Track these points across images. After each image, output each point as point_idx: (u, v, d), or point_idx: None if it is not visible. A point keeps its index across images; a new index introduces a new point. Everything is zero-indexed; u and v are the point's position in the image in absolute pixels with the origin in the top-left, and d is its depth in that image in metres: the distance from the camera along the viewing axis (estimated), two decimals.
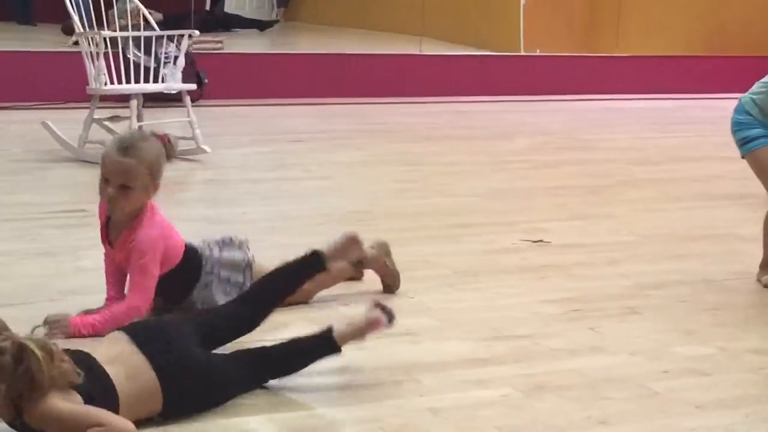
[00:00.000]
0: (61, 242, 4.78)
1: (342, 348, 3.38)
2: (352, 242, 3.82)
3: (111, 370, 2.94)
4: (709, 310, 4.34)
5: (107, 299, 3.90)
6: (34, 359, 2.72)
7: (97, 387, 2.88)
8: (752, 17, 13.40)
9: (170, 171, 7.01)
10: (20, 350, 2.73)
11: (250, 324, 3.52)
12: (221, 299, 3.96)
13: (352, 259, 4.02)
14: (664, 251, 5.30)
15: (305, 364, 3.38)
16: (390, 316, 3.45)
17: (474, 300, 4.37)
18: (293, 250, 4.47)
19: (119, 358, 3.01)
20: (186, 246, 4.05)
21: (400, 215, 5.96)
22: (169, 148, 3.95)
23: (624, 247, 5.35)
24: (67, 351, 2.87)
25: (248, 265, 4.14)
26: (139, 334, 3.11)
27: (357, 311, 3.62)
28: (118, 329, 3.20)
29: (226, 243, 4.18)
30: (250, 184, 6.81)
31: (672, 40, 13.45)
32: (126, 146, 3.82)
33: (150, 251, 3.80)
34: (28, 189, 6.43)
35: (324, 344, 3.38)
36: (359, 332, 3.41)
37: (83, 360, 2.91)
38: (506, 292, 4.53)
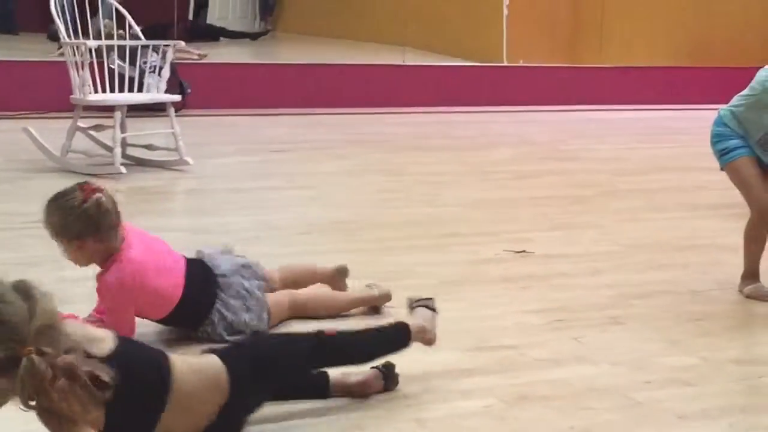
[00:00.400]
0: (44, 252, 4.74)
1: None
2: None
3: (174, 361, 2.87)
4: (692, 320, 4.36)
5: (96, 311, 3.88)
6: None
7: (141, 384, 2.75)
8: (736, 29, 13.45)
9: (153, 181, 7.08)
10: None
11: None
12: (245, 316, 3.93)
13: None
14: (648, 261, 5.31)
15: (375, 355, 3.36)
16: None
17: (458, 310, 4.37)
18: (276, 260, 4.48)
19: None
20: (189, 282, 3.92)
21: (384, 225, 5.96)
22: (93, 204, 3.72)
23: (607, 257, 5.36)
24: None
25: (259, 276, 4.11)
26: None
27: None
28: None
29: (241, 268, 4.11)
30: (233, 194, 6.79)
31: (655, 51, 13.49)
32: (45, 209, 3.74)
33: (108, 297, 3.73)
34: (10, 198, 6.41)
35: (399, 337, 3.42)
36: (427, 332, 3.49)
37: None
38: (490, 302, 4.54)
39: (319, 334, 3.22)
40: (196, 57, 11.41)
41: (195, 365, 2.91)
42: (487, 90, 12.03)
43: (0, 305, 2.51)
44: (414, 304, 3.64)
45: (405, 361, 3.53)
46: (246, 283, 3.98)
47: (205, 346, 3.18)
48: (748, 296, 4.68)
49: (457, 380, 3.55)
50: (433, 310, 3.63)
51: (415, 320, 3.52)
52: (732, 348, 4.03)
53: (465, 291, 4.67)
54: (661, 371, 3.74)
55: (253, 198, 6.66)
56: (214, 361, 2.94)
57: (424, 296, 3.70)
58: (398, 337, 3.41)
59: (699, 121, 7.30)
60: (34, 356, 2.48)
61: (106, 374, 2.58)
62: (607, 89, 12.65)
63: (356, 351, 3.29)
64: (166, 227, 5.78)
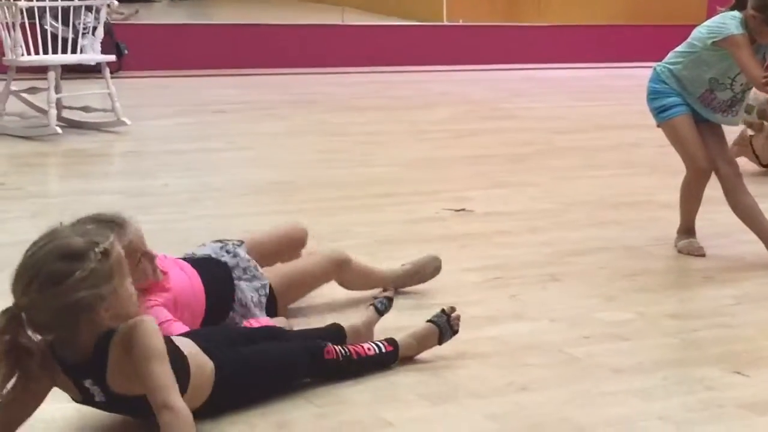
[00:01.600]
0: None
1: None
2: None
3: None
4: (629, 276, 4.40)
5: None
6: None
7: (178, 366, 2.74)
8: None
9: (89, 143, 7.00)
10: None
11: None
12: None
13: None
14: (585, 219, 5.35)
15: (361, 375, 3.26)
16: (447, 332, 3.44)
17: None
18: (216, 222, 4.46)
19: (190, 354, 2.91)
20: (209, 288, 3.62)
21: (323, 185, 5.95)
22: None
23: (545, 215, 5.39)
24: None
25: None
26: (200, 338, 3.02)
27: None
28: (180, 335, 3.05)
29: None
30: (171, 156, 6.74)
31: (593, 9, 13.54)
32: None
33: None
34: None
35: (389, 360, 3.33)
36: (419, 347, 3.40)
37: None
38: None
39: (316, 356, 3.16)
40: (132, 13, 11.29)
41: (195, 359, 2.91)
42: (426, 50, 12.01)
43: None
44: (372, 303, 3.59)
45: (343, 319, 3.53)
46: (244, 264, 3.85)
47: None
48: (680, 251, 4.72)
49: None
50: (381, 313, 3.56)
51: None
52: (667, 303, 4.08)
53: (403, 250, 4.66)
54: (597, 327, 3.77)
55: (192, 160, 6.61)
56: (207, 361, 2.94)
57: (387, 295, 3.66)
58: (388, 360, 3.34)
59: (636, 79, 7.35)
60: None
61: None
62: (545, 48, 12.68)
63: (347, 373, 3.26)
64: (103, 190, 5.75)
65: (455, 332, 3.45)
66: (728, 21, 4.50)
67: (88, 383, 2.70)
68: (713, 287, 4.29)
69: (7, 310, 2.59)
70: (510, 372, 3.34)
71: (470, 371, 3.34)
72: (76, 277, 2.57)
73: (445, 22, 12.70)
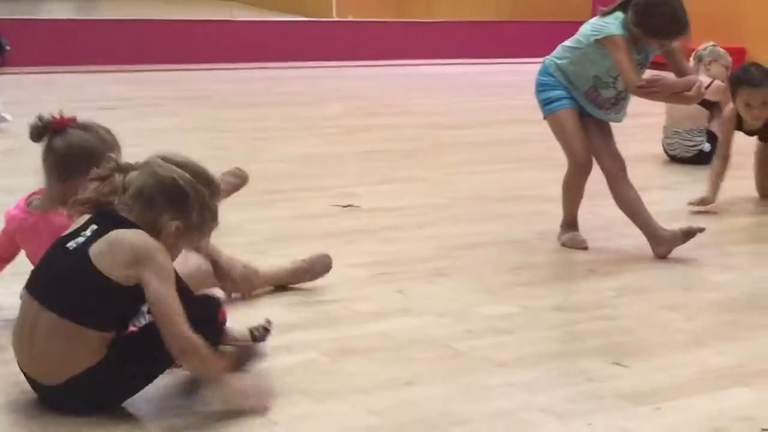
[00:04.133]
0: None
1: None
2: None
3: None
4: (513, 269, 4.44)
5: None
6: None
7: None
8: None
9: None
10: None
11: None
12: None
13: None
14: (472, 213, 5.39)
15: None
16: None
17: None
18: None
19: None
20: None
21: None
22: None
23: (433, 210, 5.42)
24: None
25: None
26: None
27: None
28: None
29: None
30: None
31: (481, 5, 13.66)
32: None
33: None
34: None
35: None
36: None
37: None
38: None
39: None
40: None
41: None
42: (316, 45, 12.00)
43: None
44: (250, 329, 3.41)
45: (228, 317, 3.50)
46: None
47: None
48: (563, 245, 4.79)
49: (279, 336, 3.53)
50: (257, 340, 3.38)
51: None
52: (550, 296, 4.13)
53: (290, 246, 4.65)
54: (481, 321, 3.80)
55: None
56: None
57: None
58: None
59: (522, 74, 7.44)
60: None
61: None
62: (434, 44, 12.75)
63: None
64: None
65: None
66: (611, 20, 4.58)
67: (89, 230, 2.90)
68: (595, 280, 4.36)
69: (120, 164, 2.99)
70: (395, 367, 3.35)
71: (356, 367, 3.34)
72: (194, 186, 2.99)
73: (335, 18, 12.71)
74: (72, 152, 3.43)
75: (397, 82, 11.01)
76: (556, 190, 4.94)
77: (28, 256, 3.60)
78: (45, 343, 2.86)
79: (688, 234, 4.65)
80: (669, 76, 4.70)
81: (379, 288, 4.15)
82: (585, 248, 4.76)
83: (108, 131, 3.56)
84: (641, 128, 6.98)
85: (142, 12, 12.38)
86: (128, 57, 10.94)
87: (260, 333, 3.41)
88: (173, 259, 3.00)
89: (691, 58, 6.50)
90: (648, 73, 4.71)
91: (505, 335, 3.67)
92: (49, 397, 2.95)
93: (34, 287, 2.96)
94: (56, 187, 3.48)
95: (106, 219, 2.93)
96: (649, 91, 4.59)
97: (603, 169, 4.78)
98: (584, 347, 3.60)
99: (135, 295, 2.87)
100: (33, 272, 3.04)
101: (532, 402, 3.11)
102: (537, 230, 5.03)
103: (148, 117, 8.09)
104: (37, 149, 6.29)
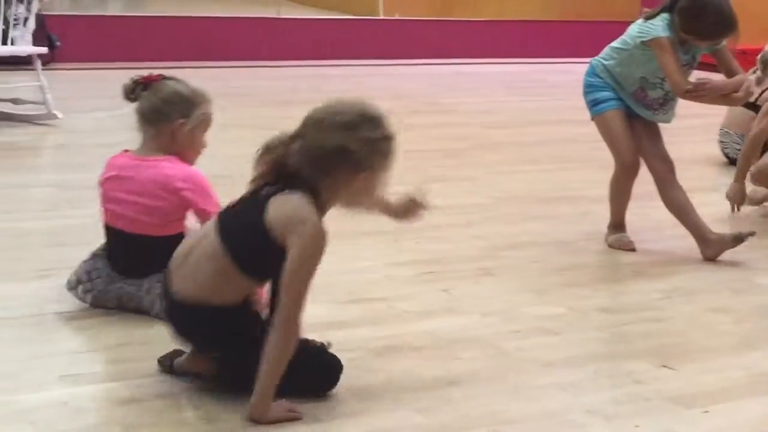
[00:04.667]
0: None
1: None
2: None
3: None
4: (560, 270, 4.43)
5: None
6: None
7: None
8: None
9: (19, 136, 6.91)
10: None
11: None
12: None
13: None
14: (519, 213, 5.38)
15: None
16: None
17: (330, 263, 4.31)
18: None
19: None
20: None
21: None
22: None
23: (480, 210, 5.41)
24: None
25: None
26: None
27: None
28: None
29: None
30: (104, 149, 6.60)
31: (528, 5, 13.61)
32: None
33: None
34: None
35: None
36: None
37: None
38: (362, 255, 4.54)
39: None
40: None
41: None
42: (362, 43, 12.01)
43: None
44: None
45: None
46: None
47: None
48: (610, 246, 4.77)
49: (326, 333, 3.54)
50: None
51: None
52: (597, 297, 4.11)
53: (337, 244, 4.61)
54: (528, 321, 3.79)
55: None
56: None
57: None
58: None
59: (571, 74, 7.40)
60: None
61: None
62: (480, 43, 12.72)
63: None
64: (34, 183, 5.69)
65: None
66: (657, 22, 4.55)
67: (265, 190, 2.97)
68: (643, 281, 4.34)
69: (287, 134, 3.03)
70: (440, 366, 3.35)
71: (401, 366, 3.34)
72: (365, 134, 2.92)
73: (382, 16, 12.71)
74: (163, 99, 3.72)
75: (443, 81, 10.99)
76: (604, 191, 4.92)
77: (107, 201, 3.81)
78: (202, 262, 2.98)
79: (738, 239, 4.61)
80: (717, 76, 4.67)
81: (424, 287, 4.15)
82: (632, 250, 4.74)
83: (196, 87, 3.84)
84: (691, 129, 6.94)
85: (190, 9, 12.43)
86: (176, 53, 10.98)
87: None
88: (366, 200, 3.21)
89: (757, 61, 6.39)
90: (696, 74, 4.68)
91: (552, 336, 3.66)
92: (174, 311, 3.05)
93: (223, 215, 3.08)
94: (150, 132, 3.74)
95: (283, 181, 3.00)
96: (696, 95, 4.56)
97: (651, 170, 4.75)
98: (631, 349, 3.58)
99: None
100: (227, 207, 3.13)
101: (578, 403, 3.10)
102: (584, 231, 5.01)
103: None
104: (89, 145, 6.37)
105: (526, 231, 5.02)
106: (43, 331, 3.53)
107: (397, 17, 12.68)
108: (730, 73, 4.64)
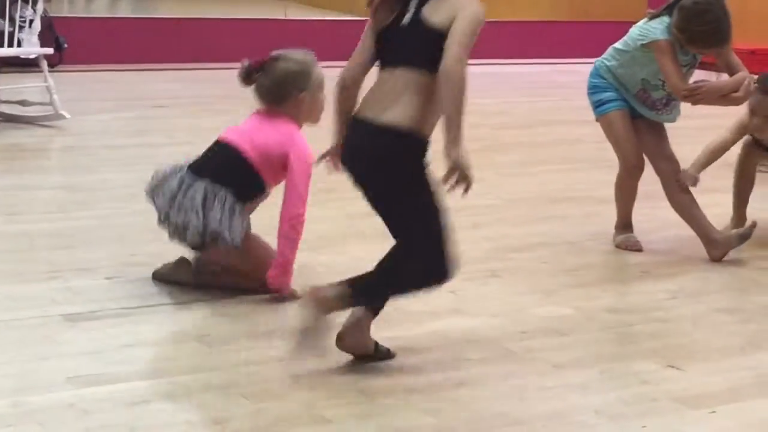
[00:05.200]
0: None
1: None
2: None
3: None
4: (568, 271, 4.43)
5: None
6: None
7: None
8: None
9: (27, 138, 6.93)
10: None
11: None
12: None
13: None
14: (527, 214, 5.37)
15: None
16: None
17: (336, 265, 4.37)
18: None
19: None
20: None
21: None
22: None
23: (488, 211, 5.40)
24: None
25: None
26: None
27: None
28: None
29: None
30: (110, 151, 6.68)
31: (537, 5, 13.60)
32: None
33: None
34: None
35: None
36: None
37: None
38: (369, 257, 4.51)
39: None
40: None
41: None
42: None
43: None
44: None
45: (283, 315, 3.52)
46: None
47: None
48: (617, 246, 4.76)
49: (332, 335, 3.55)
50: None
51: None
52: (605, 298, 4.11)
53: (344, 245, 4.68)
54: (536, 322, 3.79)
55: (132, 155, 6.55)
56: None
57: None
58: None
59: (579, 75, 7.36)
60: None
61: None
62: (490, 43, 12.68)
63: None
64: (41, 185, 5.69)
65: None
66: (656, 25, 4.56)
67: (414, 2, 3.28)
68: (650, 282, 4.34)
69: None
70: (449, 367, 3.35)
71: (409, 366, 3.34)
72: None
73: None
74: (276, 81, 4.07)
75: None
76: (611, 192, 4.91)
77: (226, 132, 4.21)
78: (391, 88, 3.28)
79: (743, 237, 4.61)
80: (722, 76, 4.66)
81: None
82: (639, 250, 4.73)
83: (296, 52, 4.21)
84: (698, 130, 6.91)
85: (196, 11, 12.43)
86: (182, 55, 10.99)
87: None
88: None
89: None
90: (698, 75, 4.68)
91: (559, 337, 3.66)
92: (364, 134, 3.30)
93: (390, 60, 3.33)
94: (276, 109, 4.07)
95: None
96: (694, 97, 4.55)
97: (657, 170, 4.75)
98: (638, 349, 3.58)
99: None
100: (387, 51, 3.37)
101: (586, 404, 3.10)
102: (591, 231, 5.01)
103: (199, 115, 8.12)
104: (96, 147, 6.37)
105: (534, 232, 5.02)
106: (50, 333, 3.54)
107: None
108: (730, 71, 4.63)
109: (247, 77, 4.11)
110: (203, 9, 12.59)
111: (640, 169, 4.73)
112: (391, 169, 3.30)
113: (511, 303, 4.01)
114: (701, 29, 4.45)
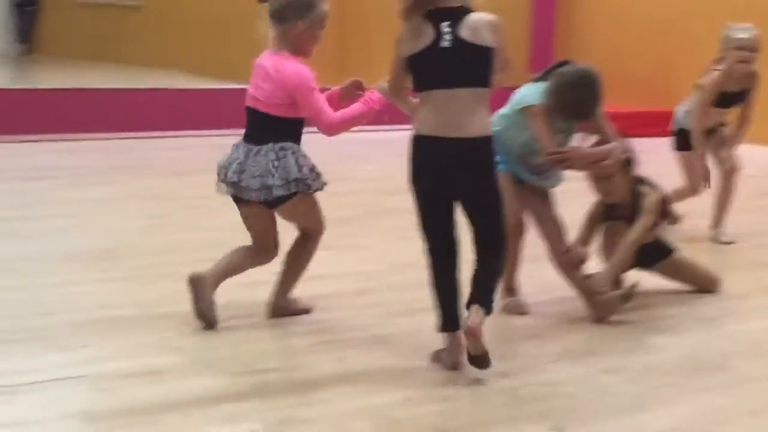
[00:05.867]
0: None
1: None
2: None
3: None
4: None
5: None
6: None
7: None
8: None
9: None
10: None
11: None
12: None
13: None
14: (411, 280, 5.34)
15: None
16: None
17: (224, 336, 4.31)
18: (30, 293, 4.34)
19: None
20: None
21: (146, 252, 5.84)
22: None
23: (373, 277, 5.39)
24: None
25: None
26: None
27: None
28: None
29: None
30: None
31: None
32: None
33: None
34: None
35: None
36: None
37: None
38: (259, 323, 4.49)
39: None
40: None
41: None
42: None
43: None
44: None
45: (162, 390, 3.45)
46: None
47: None
48: (503, 310, 4.77)
49: (219, 407, 3.50)
50: None
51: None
52: (491, 361, 4.09)
53: (231, 317, 4.60)
54: (422, 388, 3.78)
55: (10, 228, 6.40)
56: None
57: None
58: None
59: None
60: None
61: None
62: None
63: None
64: None
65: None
66: (533, 90, 4.63)
67: (445, 26, 3.85)
68: (536, 344, 4.36)
69: None
70: None
71: None
72: None
73: None
74: (281, 3, 4.43)
75: (333, 149, 10.96)
76: None
77: (250, 87, 4.60)
78: (468, 109, 3.91)
79: (626, 297, 4.67)
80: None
81: (318, 356, 4.11)
82: (525, 313, 4.76)
83: None
84: (581, 192, 7.02)
85: (80, 80, 12.30)
86: (64, 125, 10.83)
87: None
88: None
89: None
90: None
91: (446, 402, 3.64)
92: (458, 151, 3.93)
93: (445, 81, 3.92)
94: (277, 31, 4.46)
95: (448, 13, 3.90)
96: (560, 160, 4.60)
97: (542, 233, 4.79)
98: (526, 412, 3.59)
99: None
100: (435, 73, 3.95)
101: None
102: None
103: (81, 186, 7.99)
104: None
105: (419, 297, 4.98)
106: None
107: None
108: (602, 139, 4.70)
109: None
110: (88, 79, 12.48)
111: (520, 230, 4.77)
112: (489, 171, 4.00)
113: (396, 369, 3.99)
114: (567, 100, 4.54)
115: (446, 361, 3.98)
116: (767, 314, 4.93)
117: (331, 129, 4.49)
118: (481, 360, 3.84)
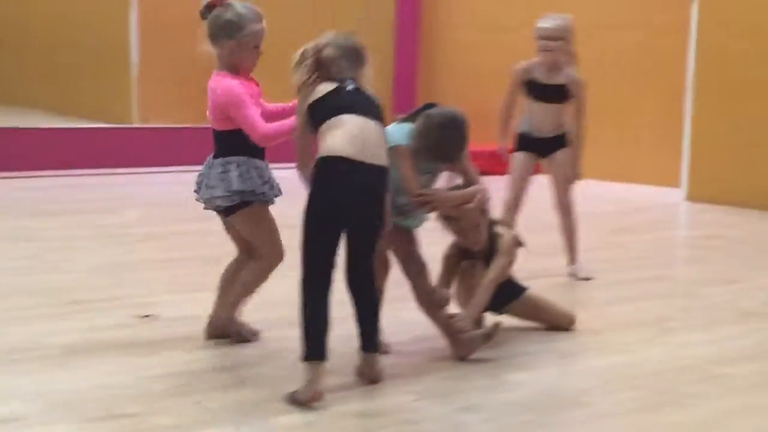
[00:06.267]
0: None
1: None
2: None
3: None
4: None
5: None
6: None
7: None
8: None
9: None
10: None
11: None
12: None
13: None
14: (277, 319, 5.36)
15: None
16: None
17: (83, 379, 4.27)
18: None
19: None
20: None
21: (11, 294, 5.75)
22: None
23: None
24: None
25: None
26: None
27: None
28: None
29: None
30: None
31: None
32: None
33: None
34: None
35: None
36: None
37: None
38: (115, 370, 4.45)
39: None
40: None
41: None
42: (114, 151, 11.87)
43: None
44: None
45: None
46: None
47: None
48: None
49: None
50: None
51: None
52: (352, 401, 4.12)
53: (89, 359, 4.56)
54: (281, 430, 3.78)
55: None
56: None
57: None
58: None
59: None
60: None
61: None
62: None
63: None
64: None
65: None
66: (398, 130, 4.67)
67: (348, 80, 4.32)
68: (397, 384, 4.38)
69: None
70: None
71: None
72: None
73: (136, 124, 12.60)
74: (213, 24, 4.69)
75: None
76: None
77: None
78: (377, 142, 4.25)
79: (488, 336, 4.75)
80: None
81: (177, 400, 4.07)
82: (386, 352, 4.79)
83: (246, 6, 4.72)
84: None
85: None
86: None
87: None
88: None
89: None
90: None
91: None
92: (373, 179, 4.23)
93: (355, 109, 4.23)
94: (216, 51, 4.71)
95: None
96: (424, 202, 4.67)
97: (405, 272, 4.84)
98: None
99: None
100: (344, 104, 4.25)
101: None
102: (339, 335, 5.02)
103: None
104: None
105: (284, 337, 5.01)
106: None
107: (151, 125, 12.59)
108: (466, 182, 4.77)
109: (204, 14, 4.70)
110: None
111: (384, 267, 4.84)
112: (384, 203, 4.38)
113: (257, 410, 3.98)
114: (434, 142, 4.59)
115: (305, 393, 4.00)
116: (623, 349, 5.04)
117: (263, 140, 4.63)
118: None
